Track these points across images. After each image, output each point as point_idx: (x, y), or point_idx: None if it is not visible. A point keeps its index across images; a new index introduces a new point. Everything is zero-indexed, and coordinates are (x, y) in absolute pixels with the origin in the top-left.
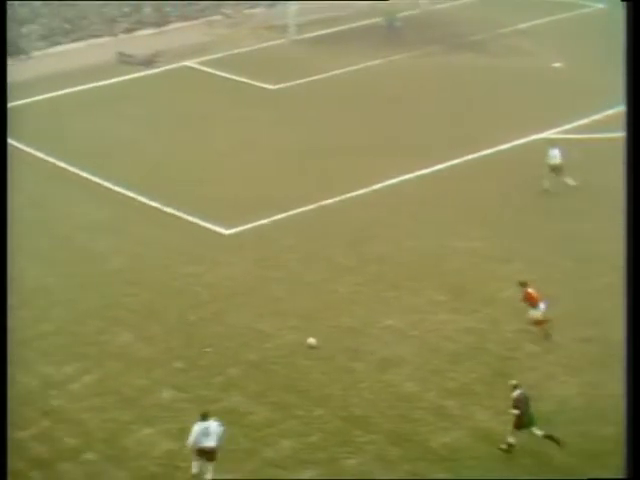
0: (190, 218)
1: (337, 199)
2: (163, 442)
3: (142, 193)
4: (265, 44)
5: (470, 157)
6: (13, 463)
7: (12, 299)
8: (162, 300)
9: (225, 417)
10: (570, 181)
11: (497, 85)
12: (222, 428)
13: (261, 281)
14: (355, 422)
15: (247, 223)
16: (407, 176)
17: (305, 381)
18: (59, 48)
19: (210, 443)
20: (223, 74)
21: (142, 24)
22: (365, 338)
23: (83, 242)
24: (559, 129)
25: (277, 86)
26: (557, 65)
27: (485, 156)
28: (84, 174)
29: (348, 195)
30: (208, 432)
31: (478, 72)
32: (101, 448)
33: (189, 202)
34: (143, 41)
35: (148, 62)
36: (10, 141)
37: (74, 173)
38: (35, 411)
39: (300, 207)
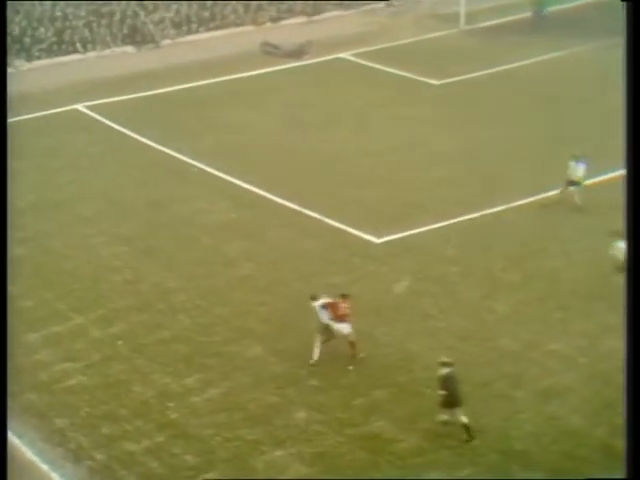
0: (336, 224)
1: (502, 207)
2: (295, 465)
3: (281, 194)
4: (430, 35)
5: None
6: (123, 477)
7: (130, 301)
8: (299, 311)
9: (367, 444)
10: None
11: None
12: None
13: (413, 296)
14: (513, 457)
15: (401, 231)
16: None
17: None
18: (193, 37)
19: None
20: (381, 67)
21: (292, 12)
22: (527, 363)
23: (211, 245)
24: None
25: (442, 81)
26: None
27: None
28: (215, 171)
29: (514, 203)
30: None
31: None
32: (225, 469)
33: (336, 206)
34: (292, 31)
35: (296, 53)
36: (132, 134)
37: (205, 170)
38: (149, 423)
39: (461, 215)
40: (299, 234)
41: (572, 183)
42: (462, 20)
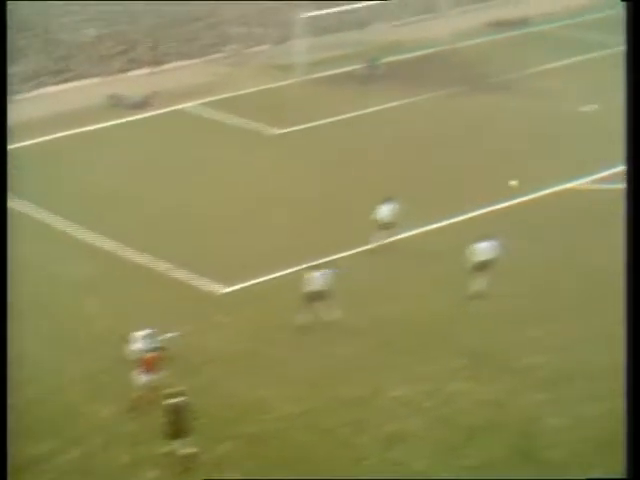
0: (184, 275)
1: (345, 254)
2: None
3: (132, 248)
4: (271, 85)
5: (494, 208)
6: None
7: None
8: None
9: None
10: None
11: (524, 129)
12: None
13: (260, 344)
14: None
15: (246, 280)
16: (422, 229)
17: (306, 457)
18: (43, 90)
19: None
20: (224, 117)
21: (137, 63)
22: (372, 409)
23: (67, 303)
24: (591, 178)
25: (283, 130)
26: (589, 108)
27: (509, 207)
28: (68, 228)
29: (357, 250)
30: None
31: (503, 115)
32: None
33: (183, 257)
34: (138, 82)
35: (143, 104)
36: None
37: (57, 227)
38: None
39: (305, 263)
40: (150, 286)
41: (385, 226)
42: (301, 70)
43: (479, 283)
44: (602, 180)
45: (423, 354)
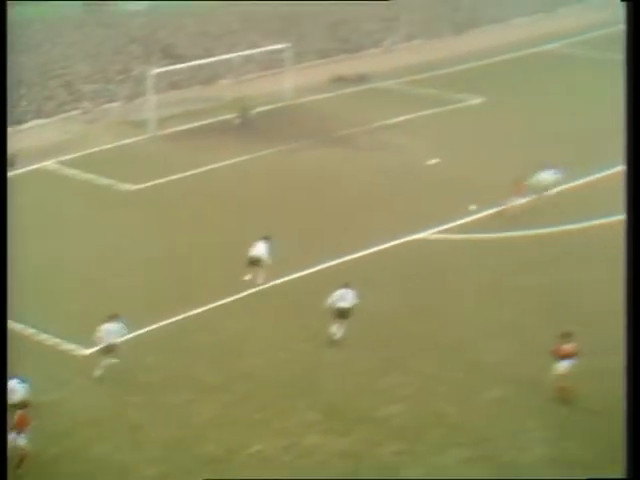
0: (43, 337)
1: (202, 309)
2: None
3: None
4: (124, 141)
5: (339, 261)
6: None
7: None
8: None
9: None
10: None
11: (371, 182)
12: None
13: (119, 407)
14: None
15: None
16: (274, 282)
17: None
18: None
19: None
20: (81, 175)
21: None
22: (232, 467)
23: None
24: (437, 229)
25: (138, 186)
26: (433, 162)
27: (354, 260)
28: None
29: (213, 304)
30: None
31: (347, 169)
32: None
33: (43, 319)
34: None
35: (7, 164)
36: None
37: None
38: None
39: (161, 320)
40: (17, 354)
41: (254, 262)
42: (153, 126)
43: (336, 332)
44: (447, 231)
45: (280, 408)
